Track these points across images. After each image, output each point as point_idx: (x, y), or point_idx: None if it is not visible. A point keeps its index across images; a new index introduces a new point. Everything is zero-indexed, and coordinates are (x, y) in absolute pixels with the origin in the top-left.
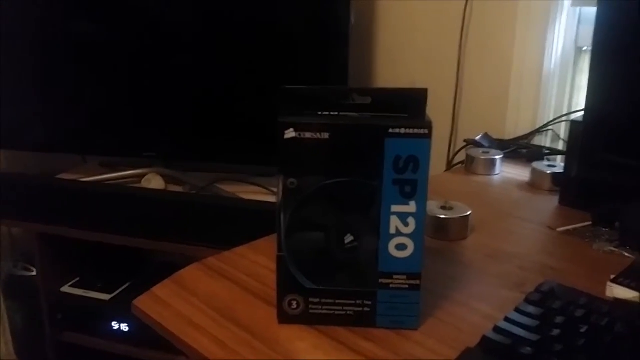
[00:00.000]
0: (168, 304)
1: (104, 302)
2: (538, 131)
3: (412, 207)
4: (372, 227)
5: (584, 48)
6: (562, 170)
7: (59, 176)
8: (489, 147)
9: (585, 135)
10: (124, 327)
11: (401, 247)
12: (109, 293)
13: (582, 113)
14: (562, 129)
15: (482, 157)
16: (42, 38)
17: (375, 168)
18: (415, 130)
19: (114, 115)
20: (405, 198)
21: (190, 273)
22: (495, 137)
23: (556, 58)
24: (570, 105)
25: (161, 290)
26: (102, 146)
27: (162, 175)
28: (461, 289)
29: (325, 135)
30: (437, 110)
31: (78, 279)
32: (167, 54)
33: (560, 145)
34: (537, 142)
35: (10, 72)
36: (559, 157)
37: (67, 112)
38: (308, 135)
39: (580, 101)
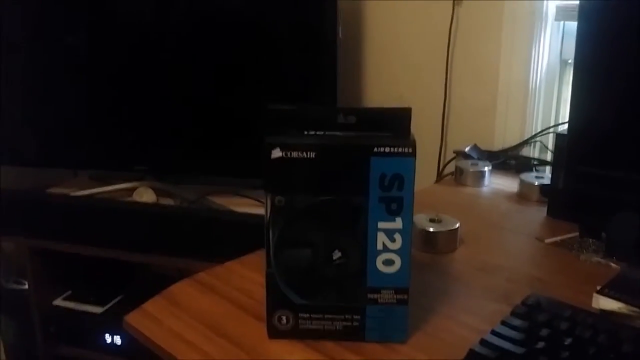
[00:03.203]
0: (159, 319)
1: (96, 315)
2: (526, 142)
3: (398, 223)
4: (360, 244)
5: (569, 61)
6: (549, 182)
7: (50, 190)
8: (478, 159)
9: (570, 148)
10: (117, 339)
11: (388, 262)
12: (101, 306)
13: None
14: (550, 140)
15: (471, 169)
16: (32, 52)
17: (361, 186)
18: (400, 149)
19: (105, 129)
20: (392, 215)
21: (180, 289)
22: (483, 148)
23: (542, 71)
24: (557, 117)
25: (152, 306)
26: (93, 160)
27: (153, 189)
28: (449, 302)
29: (312, 155)
30: (426, 123)
31: (70, 292)
32: (157, 69)
33: (548, 156)
34: (525, 153)
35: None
36: (547, 168)
37: (57, 126)
38: (294, 154)
39: (566, 113)
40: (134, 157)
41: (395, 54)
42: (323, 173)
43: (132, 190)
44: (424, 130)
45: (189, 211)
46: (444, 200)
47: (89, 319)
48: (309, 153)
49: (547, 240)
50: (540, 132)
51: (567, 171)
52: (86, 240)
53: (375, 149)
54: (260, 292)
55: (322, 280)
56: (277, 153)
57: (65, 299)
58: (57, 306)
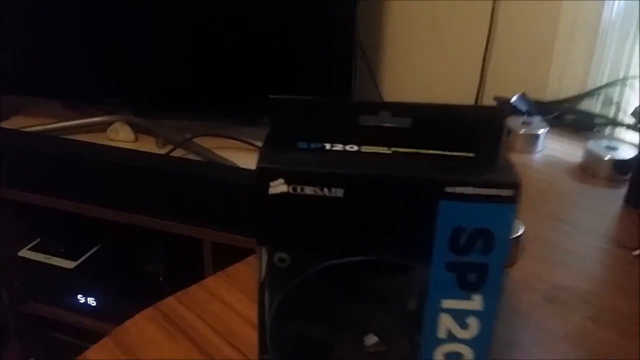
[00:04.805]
0: None
1: (67, 271)
2: (588, 94)
3: (476, 303)
4: (410, 327)
5: None
6: (629, 157)
7: (16, 117)
8: (527, 113)
9: None
10: (91, 301)
11: (454, 357)
12: (74, 260)
13: None
14: (617, 93)
15: (522, 132)
16: None
17: (419, 244)
18: (492, 191)
19: (74, 53)
20: (467, 290)
21: (139, 326)
22: (533, 97)
23: (618, 6)
24: (629, 65)
25: (98, 353)
26: (60, 88)
27: (131, 125)
28: None
29: (339, 192)
30: (461, 59)
31: (38, 239)
32: None
33: (613, 113)
34: (585, 107)
35: None
36: (615, 130)
37: (20, 50)
38: (308, 190)
39: None
40: (107, 87)
41: None
42: (355, 220)
43: (107, 124)
44: (457, 68)
45: (168, 163)
46: None
47: (58, 274)
48: (333, 189)
49: (635, 253)
50: (607, 84)
51: None
52: (50, 190)
53: (449, 189)
54: (249, 338)
55: None
56: (279, 187)
57: (32, 249)
58: (23, 258)
